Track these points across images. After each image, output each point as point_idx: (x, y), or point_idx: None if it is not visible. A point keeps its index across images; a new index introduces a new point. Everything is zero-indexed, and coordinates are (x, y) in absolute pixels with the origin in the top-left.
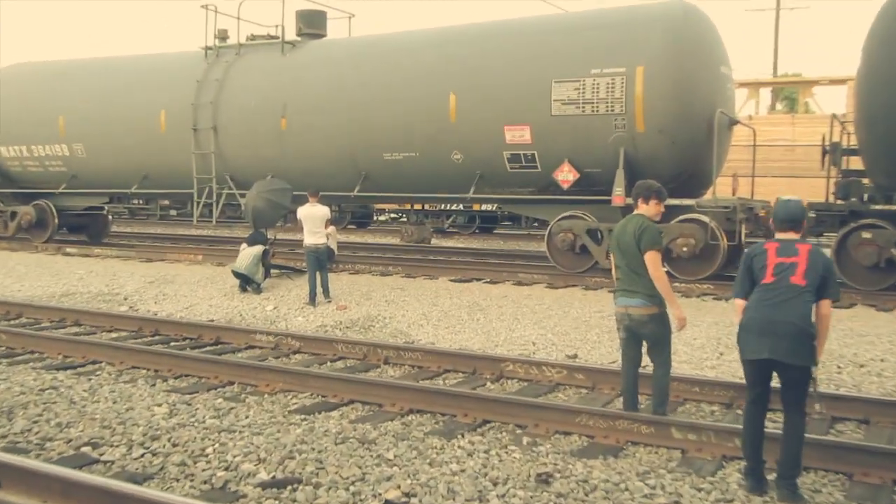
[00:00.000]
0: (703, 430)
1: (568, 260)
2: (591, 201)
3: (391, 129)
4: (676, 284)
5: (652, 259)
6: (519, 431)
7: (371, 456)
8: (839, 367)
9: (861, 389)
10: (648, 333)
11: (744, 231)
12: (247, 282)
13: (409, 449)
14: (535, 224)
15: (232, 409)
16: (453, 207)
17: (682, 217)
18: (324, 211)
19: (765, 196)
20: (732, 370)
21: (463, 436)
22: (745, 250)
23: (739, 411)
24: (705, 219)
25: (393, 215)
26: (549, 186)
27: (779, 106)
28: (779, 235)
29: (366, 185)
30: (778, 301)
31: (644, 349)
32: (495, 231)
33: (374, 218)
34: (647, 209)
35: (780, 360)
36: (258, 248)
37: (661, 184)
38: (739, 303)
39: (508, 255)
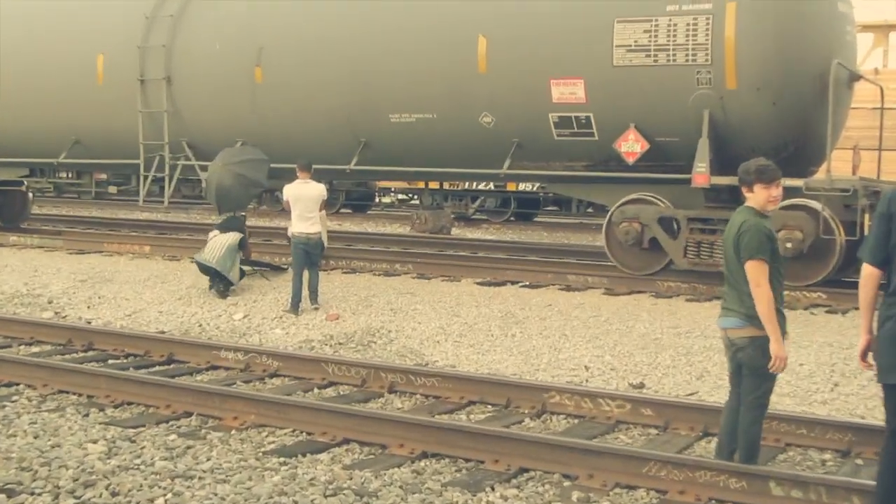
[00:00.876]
0: (813, 486)
1: (633, 258)
2: (666, 181)
3: (400, 82)
4: None
5: (753, 270)
6: (567, 484)
7: None
8: None
9: None
10: (745, 361)
11: (867, 222)
12: (217, 279)
13: None
14: (590, 210)
15: (189, 448)
16: (481, 187)
17: (785, 203)
18: (318, 190)
19: None
20: (850, 406)
21: (493, 489)
22: (886, 192)
23: (860, 461)
24: (816, 205)
25: (401, 196)
26: (608, 160)
27: None
28: None
29: (366, 155)
30: None
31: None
32: (537, 219)
33: (377, 200)
34: (754, 198)
35: None
36: (234, 237)
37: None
38: (871, 273)
39: (554, 250)
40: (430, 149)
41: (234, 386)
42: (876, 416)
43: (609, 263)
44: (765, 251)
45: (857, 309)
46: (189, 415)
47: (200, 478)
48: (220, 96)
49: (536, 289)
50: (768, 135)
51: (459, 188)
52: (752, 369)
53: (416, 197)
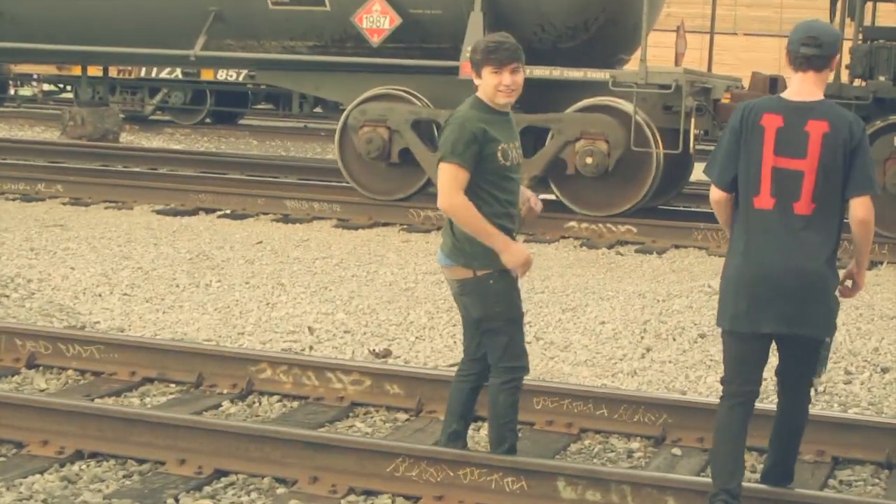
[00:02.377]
0: (615, 485)
1: (377, 177)
2: (423, 69)
3: None
4: (573, 224)
5: (442, 175)
6: (282, 490)
7: None
8: None
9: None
10: (469, 308)
11: (694, 129)
12: None
13: None
14: (319, 110)
15: None
16: (164, 75)
17: (586, 103)
18: None
19: (734, 68)
20: (667, 379)
21: (177, 500)
22: (741, 106)
23: (678, 450)
24: (626, 106)
25: (47, 87)
26: (344, 40)
27: None
28: (794, 82)
29: None
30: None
31: None
32: (243, 121)
33: (11, 92)
34: (482, 86)
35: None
36: None
37: (546, 39)
38: (721, 198)
39: (266, 165)
40: (88, 18)
41: None
42: (699, 389)
43: (344, 184)
44: (462, 155)
45: (676, 248)
46: None
47: None
48: None
49: (241, 220)
50: (563, 9)
51: (133, 77)
52: (479, 325)
53: (68, 88)
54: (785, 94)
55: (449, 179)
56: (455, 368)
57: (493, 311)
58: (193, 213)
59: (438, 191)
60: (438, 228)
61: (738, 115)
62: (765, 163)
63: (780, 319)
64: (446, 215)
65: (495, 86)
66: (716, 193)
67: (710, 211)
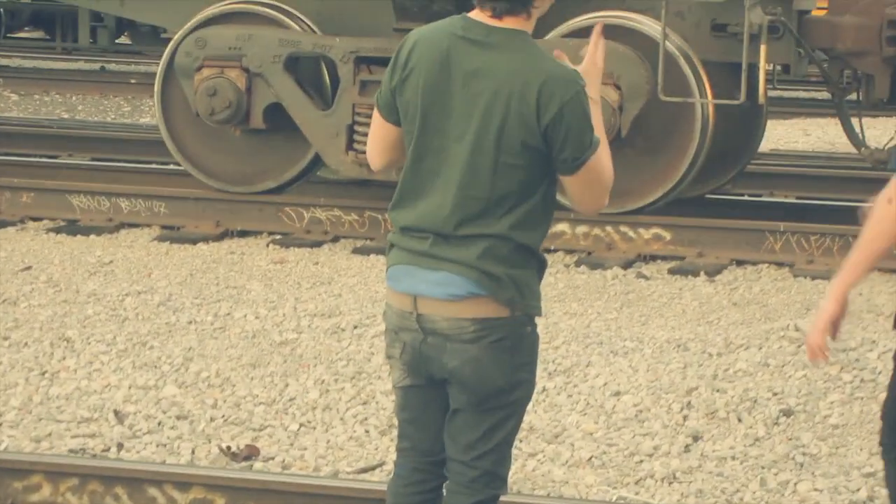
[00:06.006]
0: None
1: (227, 154)
2: None
3: None
4: (564, 229)
5: (606, 161)
6: None
7: None
8: None
9: None
10: (475, 371)
11: (766, 64)
12: None
13: None
14: (125, 40)
15: None
16: None
17: (579, 22)
18: None
19: None
20: (728, 487)
21: None
22: None
23: None
24: (651, 26)
25: None
26: None
27: None
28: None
29: None
30: None
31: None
32: None
33: None
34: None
35: None
36: None
37: None
38: None
39: (36, 136)
40: None
41: None
42: None
43: (173, 167)
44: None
45: (738, 265)
46: None
47: None
48: None
49: None
50: None
51: None
52: (480, 404)
53: None
54: None
55: (604, 166)
56: (367, 475)
57: (517, 377)
58: None
59: (590, 192)
60: (336, 240)
61: None
62: None
63: None
64: (588, 212)
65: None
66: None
67: (796, 202)
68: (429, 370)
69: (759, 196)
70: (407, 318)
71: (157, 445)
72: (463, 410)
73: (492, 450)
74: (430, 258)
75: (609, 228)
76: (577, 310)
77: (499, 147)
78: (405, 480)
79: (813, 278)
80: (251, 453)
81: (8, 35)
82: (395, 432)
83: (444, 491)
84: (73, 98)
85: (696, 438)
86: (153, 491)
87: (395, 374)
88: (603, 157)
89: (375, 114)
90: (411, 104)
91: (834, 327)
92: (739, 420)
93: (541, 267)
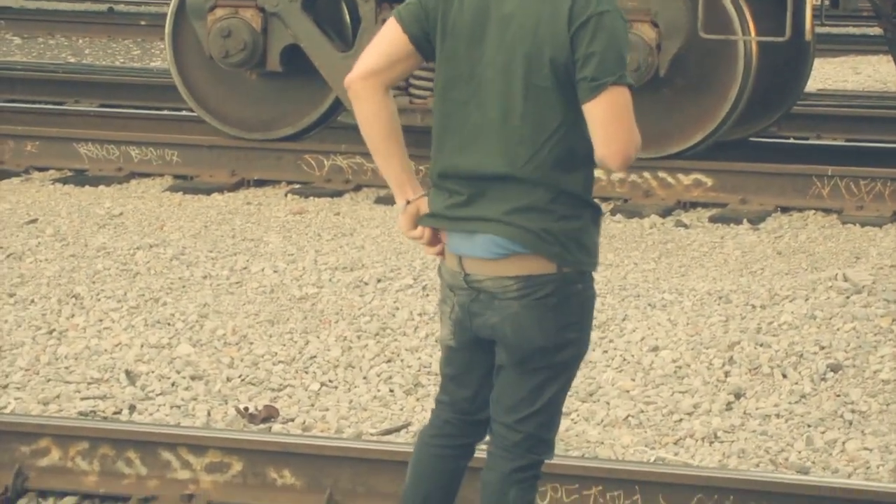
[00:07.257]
0: None
1: (243, 98)
2: None
3: None
4: (598, 175)
5: (623, 103)
6: None
7: None
8: None
9: None
10: (519, 330)
11: None
12: None
13: None
14: None
15: None
16: None
17: None
18: None
19: None
20: (772, 447)
21: None
22: None
23: None
24: None
25: None
26: None
27: None
28: None
29: None
30: None
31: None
32: None
33: None
34: None
35: None
36: None
37: None
38: None
39: (41, 81)
40: None
41: None
42: (833, 464)
43: (186, 112)
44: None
45: (783, 212)
46: None
47: None
48: None
49: None
50: None
51: None
52: (523, 362)
53: None
54: None
55: (631, 111)
56: (392, 437)
57: (564, 337)
58: None
59: (613, 133)
60: (357, 188)
61: None
62: None
63: None
64: (616, 168)
65: None
66: None
67: (845, 144)
68: (476, 330)
69: (806, 139)
70: (457, 278)
71: (171, 407)
72: (506, 368)
73: (536, 412)
74: (465, 221)
75: (647, 174)
76: (613, 260)
77: (529, 67)
78: (435, 431)
79: (862, 225)
80: (270, 414)
81: None
82: (420, 392)
83: (473, 452)
84: (80, 41)
85: (738, 396)
86: (167, 455)
87: (443, 330)
88: (628, 105)
89: (390, 23)
90: (450, 24)
91: None
92: (784, 376)
93: (594, 217)
